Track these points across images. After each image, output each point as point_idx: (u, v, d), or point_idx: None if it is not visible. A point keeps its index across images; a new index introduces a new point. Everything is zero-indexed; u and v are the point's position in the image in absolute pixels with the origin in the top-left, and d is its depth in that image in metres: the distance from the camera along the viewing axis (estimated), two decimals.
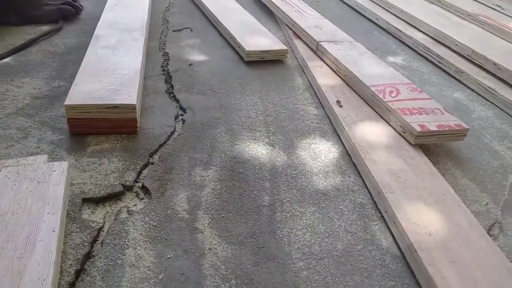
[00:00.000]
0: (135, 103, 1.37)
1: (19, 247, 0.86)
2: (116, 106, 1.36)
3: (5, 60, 1.80)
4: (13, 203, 0.96)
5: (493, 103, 1.82)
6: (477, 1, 2.89)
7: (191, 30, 2.32)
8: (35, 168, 1.07)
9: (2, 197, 0.97)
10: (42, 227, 0.91)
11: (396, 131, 1.47)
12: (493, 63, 1.93)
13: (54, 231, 0.90)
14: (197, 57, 2.02)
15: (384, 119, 1.53)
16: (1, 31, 2.04)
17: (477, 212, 1.22)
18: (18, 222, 0.91)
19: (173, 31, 2.29)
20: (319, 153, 1.43)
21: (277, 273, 1.00)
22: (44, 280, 0.80)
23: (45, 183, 1.02)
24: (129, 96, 1.40)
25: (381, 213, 1.20)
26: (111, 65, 1.59)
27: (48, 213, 0.94)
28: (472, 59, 2.04)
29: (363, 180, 1.32)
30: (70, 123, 1.36)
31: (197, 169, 1.31)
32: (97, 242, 1.03)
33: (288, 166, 1.35)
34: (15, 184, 1.01)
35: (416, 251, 1.01)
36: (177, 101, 1.66)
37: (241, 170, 1.32)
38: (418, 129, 1.39)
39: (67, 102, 1.34)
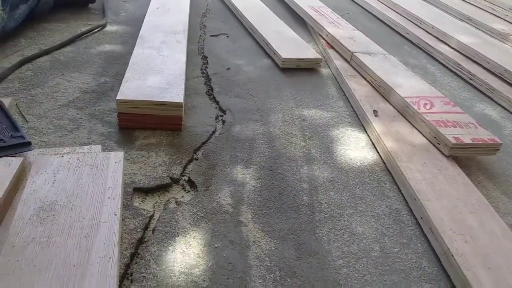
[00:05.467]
0: (182, 101, 1.44)
1: (85, 226, 0.93)
2: (164, 104, 1.43)
3: (55, 55, 1.90)
4: (76, 187, 1.03)
5: None
6: (507, 21, 2.92)
7: (227, 36, 2.40)
8: (93, 156, 1.14)
9: (66, 180, 1.05)
10: (104, 210, 0.97)
11: (431, 142, 1.51)
12: None
13: (115, 215, 0.97)
14: (234, 62, 2.09)
15: (418, 130, 1.58)
16: (51, 28, 2.14)
17: (510, 224, 1.25)
18: (82, 204, 0.98)
19: (210, 36, 2.37)
20: (355, 159, 1.47)
21: (318, 268, 1.05)
22: (110, 258, 0.86)
23: (104, 170, 1.09)
24: (176, 94, 1.47)
25: (416, 219, 1.24)
26: (158, 65, 1.67)
27: (108, 198, 1.01)
28: (504, 77, 2.07)
29: (398, 187, 1.36)
30: (120, 117, 1.44)
31: (238, 167, 1.37)
32: (148, 229, 1.10)
33: (324, 170, 1.40)
34: (77, 170, 1.08)
35: (453, 256, 1.05)
36: (217, 102, 1.73)
37: (279, 171, 1.38)
38: (453, 141, 1.43)
39: (119, 97, 1.42)
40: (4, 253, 0.85)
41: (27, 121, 1.40)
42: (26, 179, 1.06)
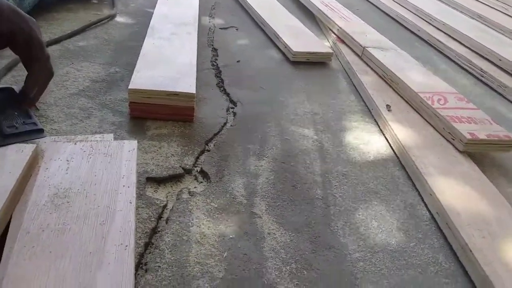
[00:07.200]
0: (194, 92, 1.43)
1: (100, 214, 0.91)
2: (176, 94, 1.41)
3: (64, 44, 1.88)
4: (90, 174, 1.01)
5: None
6: None
7: (236, 29, 2.38)
8: (106, 144, 1.13)
9: (80, 168, 1.03)
10: (119, 199, 0.96)
11: (444, 137, 1.50)
12: None
13: (131, 203, 0.95)
14: (244, 54, 2.08)
15: (432, 125, 1.56)
16: (60, 17, 2.12)
17: None
18: (97, 192, 0.96)
19: (220, 28, 2.35)
20: (368, 153, 1.46)
21: (335, 261, 1.03)
22: (126, 246, 0.85)
23: (117, 159, 1.07)
24: (189, 85, 1.45)
25: (431, 214, 1.22)
26: (169, 55, 1.65)
27: (123, 186, 0.99)
28: None
29: (412, 182, 1.35)
30: (131, 106, 1.42)
31: (251, 159, 1.35)
32: (162, 218, 1.08)
33: (337, 163, 1.39)
34: (90, 157, 1.07)
35: (471, 251, 1.03)
36: (227, 94, 1.72)
37: (292, 164, 1.36)
38: (468, 136, 1.41)
39: (131, 86, 1.40)
40: (19, 239, 0.83)
41: (37, 109, 1.38)
42: (39, 166, 1.05)
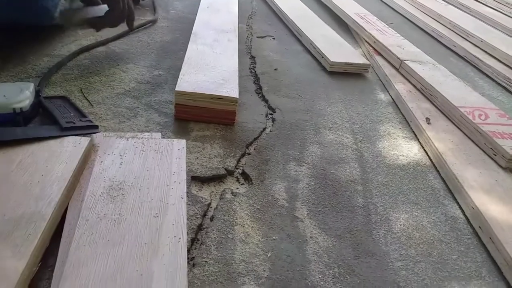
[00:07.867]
0: (237, 96, 1.46)
1: (154, 207, 0.94)
2: (220, 98, 1.45)
3: (110, 46, 1.95)
4: (143, 169, 1.05)
5: None
6: None
7: (273, 38, 2.42)
8: (157, 142, 1.17)
9: (132, 162, 1.07)
10: (171, 193, 0.99)
11: (486, 153, 1.48)
12: None
13: (182, 198, 0.98)
14: (281, 62, 2.11)
15: (472, 140, 1.55)
16: None
17: None
18: (150, 186, 1.00)
19: (257, 37, 2.40)
20: (407, 164, 1.46)
21: (377, 268, 1.04)
22: (179, 238, 0.88)
23: (168, 156, 1.11)
24: (232, 90, 1.48)
25: (473, 228, 1.21)
26: (212, 61, 1.70)
27: (174, 181, 1.03)
28: None
29: (452, 195, 1.34)
30: (177, 108, 1.46)
31: (291, 164, 1.37)
32: (206, 216, 1.11)
33: (377, 173, 1.39)
34: (142, 153, 1.11)
35: None
36: (266, 101, 1.75)
37: (332, 171, 1.37)
38: (511, 152, 1.40)
39: (177, 89, 1.44)
40: (79, 226, 0.87)
41: (92, 105, 1.44)
42: (93, 160, 1.09)
